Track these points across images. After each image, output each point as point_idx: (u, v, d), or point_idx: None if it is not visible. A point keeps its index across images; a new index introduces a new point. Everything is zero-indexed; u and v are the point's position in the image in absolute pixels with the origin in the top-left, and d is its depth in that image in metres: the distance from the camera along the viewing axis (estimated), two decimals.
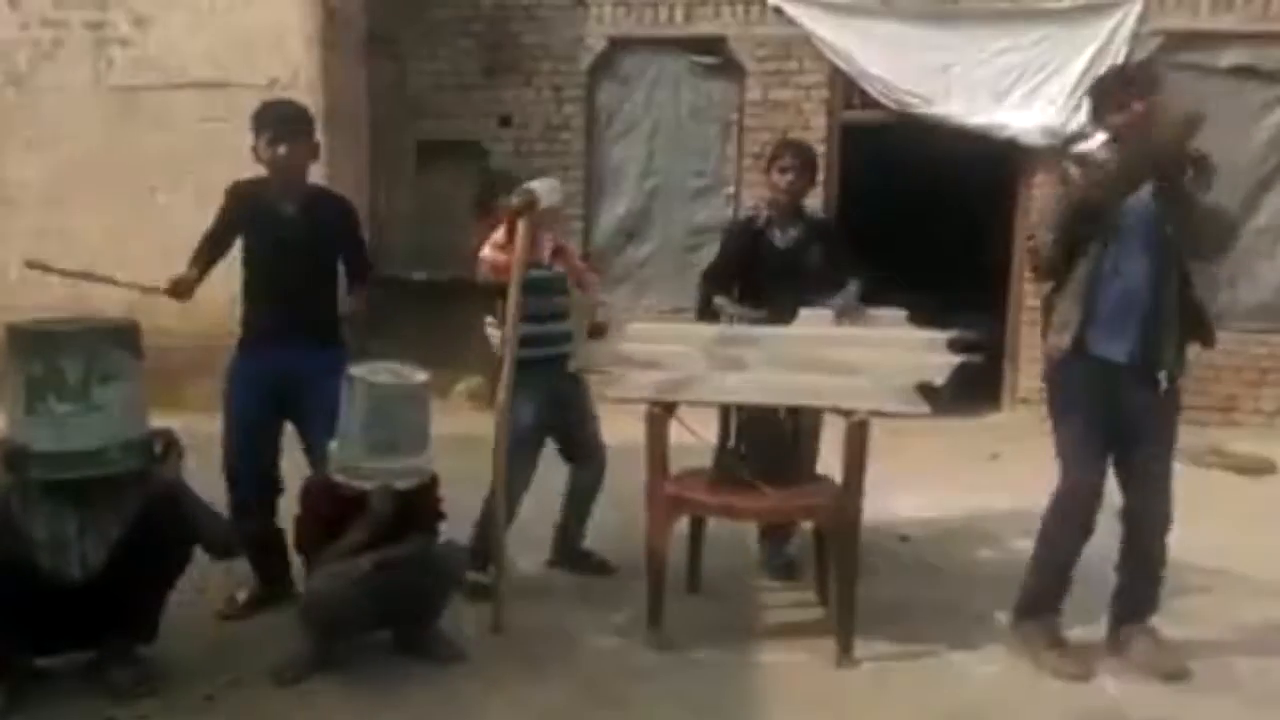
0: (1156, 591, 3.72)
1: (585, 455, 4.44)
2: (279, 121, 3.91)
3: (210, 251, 3.98)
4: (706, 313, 4.51)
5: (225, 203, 4.03)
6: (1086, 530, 3.60)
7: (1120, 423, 3.56)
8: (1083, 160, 3.62)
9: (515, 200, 3.87)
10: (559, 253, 4.40)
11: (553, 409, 4.28)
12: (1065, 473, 3.60)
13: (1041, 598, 3.73)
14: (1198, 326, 3.64)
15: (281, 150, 3.87)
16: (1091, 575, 3.75)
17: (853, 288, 4.30)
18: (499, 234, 4.07)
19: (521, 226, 3.85)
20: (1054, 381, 3.68)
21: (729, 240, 4.73)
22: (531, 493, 4.35)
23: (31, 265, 3.87)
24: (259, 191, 3.97)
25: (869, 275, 4.44)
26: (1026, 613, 3.76)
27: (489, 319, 4.32)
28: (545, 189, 3.96)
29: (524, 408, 4.07)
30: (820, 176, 7.99)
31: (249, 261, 4.00)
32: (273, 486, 4.02)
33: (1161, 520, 3.62)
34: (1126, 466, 3.64)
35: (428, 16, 8.62)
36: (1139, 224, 3.48)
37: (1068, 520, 3.60)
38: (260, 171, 3.98)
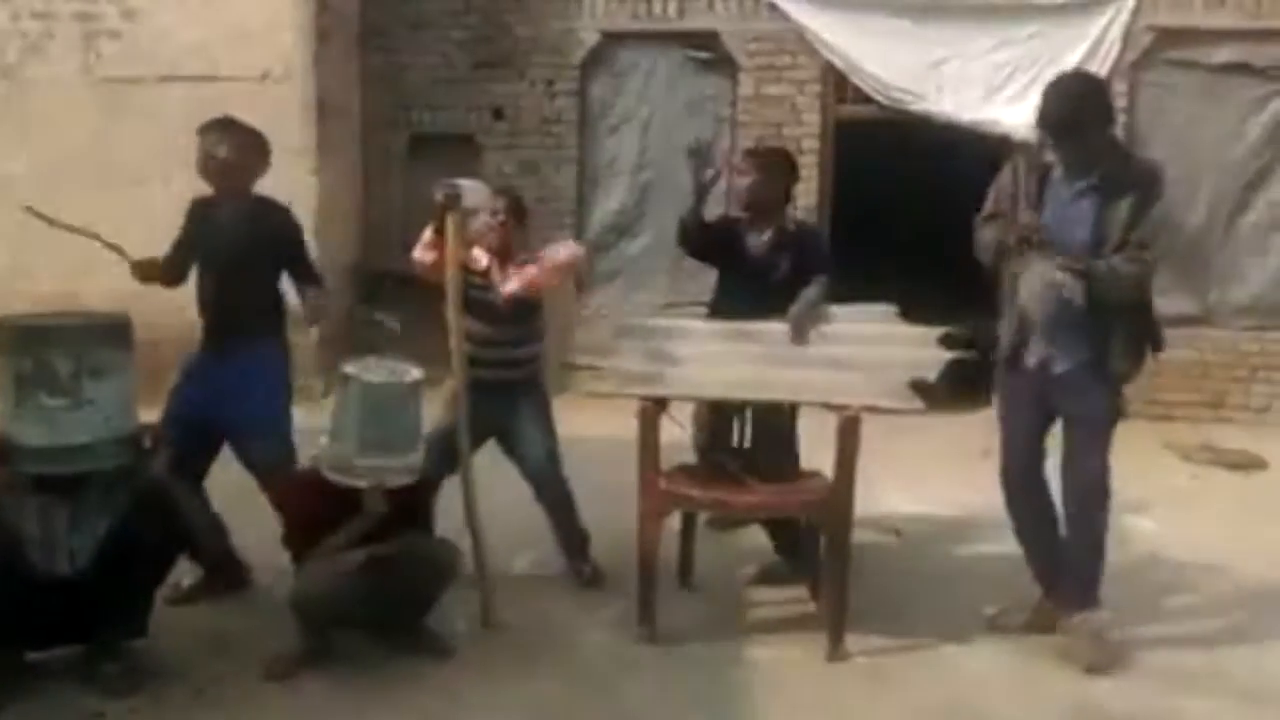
0: (1090, 580, 3.71)
1: (532, 482, 4.32)
2: (221, 130, 4.00)
3: (176, 261, 4.08)
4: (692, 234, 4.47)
5: (185, 217, 4.13)
6: (1019, 505, 3.83)
7: (1046, 416, 3.78)
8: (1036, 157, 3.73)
9: (438, 196, 3.81)
10: (521, 273, 4.20)
11: (481, 424, 4.09)
12: (1000, 459, 3.90)
13: (1036, 574, 3.88)
14: (1151, 333, 3.72)
15: (220, 152, 3.94)
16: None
17: (811, 292, 4.15)
18: (426, 233, 3.98)
19: (450, 222, 3.78)
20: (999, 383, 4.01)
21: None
22: (528, 490, 4.36)
23: (30, 212, 4.08)
24: (207, 205, 4.07)
25: (831, 279, 4.35)
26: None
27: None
28: (473, 190, 3.90)
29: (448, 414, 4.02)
30: (813, 173, 8.15)
31: (197, 272, 4.08)
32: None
33: (1081, 510, 3.69)
34: (1063, 458, 3.76)
35: (420, 9, 8.59)
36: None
37: (1006, 504, 3.88)
38: None
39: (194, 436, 3.91)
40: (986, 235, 3.78)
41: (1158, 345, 3.72)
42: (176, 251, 4.10)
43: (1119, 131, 7.62)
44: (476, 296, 4.13)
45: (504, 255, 4.24)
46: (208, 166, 3.97)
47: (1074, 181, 3.58)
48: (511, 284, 4.19)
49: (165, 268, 4.07)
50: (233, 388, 3.91)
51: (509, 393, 4.21)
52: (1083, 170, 3.56)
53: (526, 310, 4.26)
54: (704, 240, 4.45)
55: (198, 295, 4.06)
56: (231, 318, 3.95)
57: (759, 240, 4.43)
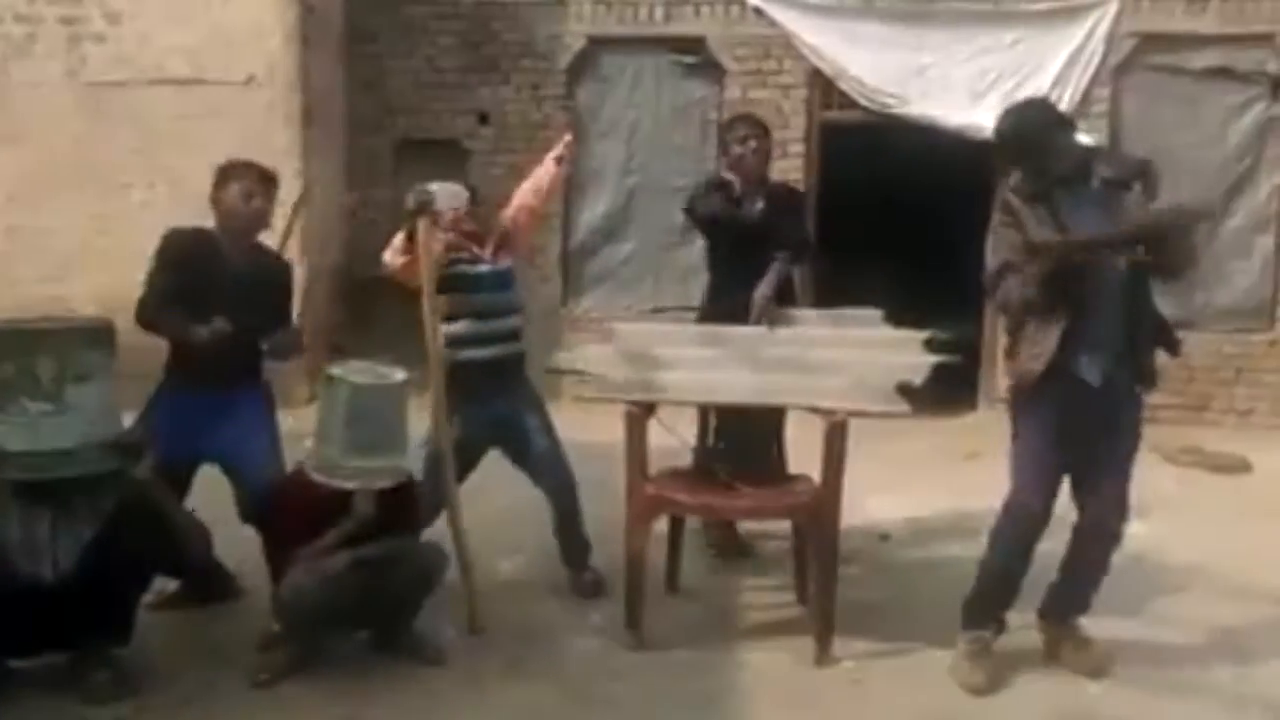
0: (1090, 597, 3.70)
1: (542, 481, 4.26)
2: (261, 177, 3.93)
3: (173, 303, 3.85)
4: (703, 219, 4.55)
5: (170, 253, 3.88)
6: (1031, 548, 3.56)
7: (1084, 440, 3.52)
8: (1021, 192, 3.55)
9: (410, 202, 3.82)
10: (504, 244, 4.28)
11: (488, 429, 4.11)
12: (1018, 491, 3.55)
13: (982, 607, 3.65)
14: (1164, 337, 3.66)
15: (256, 204, 3.90)
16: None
17: (773, 272, 4.25)
18: (398, 237, 3.98)
19: (421, 227, 3.80)
20: (1020, 402, 3.59)
21: (700, 198, 4.59)
22: (515, 495, 4.34)
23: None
24: (205, 241, 3.91)
25: (801, 249, 4.53)
26: (966, 622, 3.66)
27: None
28: (447, 193, 3.92)
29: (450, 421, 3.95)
30: (799, 177, 8.16)
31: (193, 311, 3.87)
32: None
33: (1112, 535, 3.60)
34: (1086, 481, 3.58)
35: (406, 13, 8.58)
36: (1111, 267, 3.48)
37: (1015, 538, 3.57)
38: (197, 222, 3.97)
39: (171, 473, 3.75)
40: (1012, 284, 3.43)
41: (1174, 349, 3.67)
42: (171, 288, 3.83)
43: (1104, 136, 7.75)
44: (462, 271, 4.11)
45: (477, 237, 4.24)
46: (238, 213, 3.88)
47: (1079, 196, 3.49)
48: (506, 259, 4.26)
49: (166, 309, 3.81)
50: (232, 425, 3.88)
51: (502, 383, 4.16)
52: (1081, 182, 3.51)
53: (509, 277, 4.26)
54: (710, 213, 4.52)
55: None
56: (229, 361, 3.84)
57: (754, 208, 4.48)
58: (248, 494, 3.88)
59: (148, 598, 3.79)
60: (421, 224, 3.81)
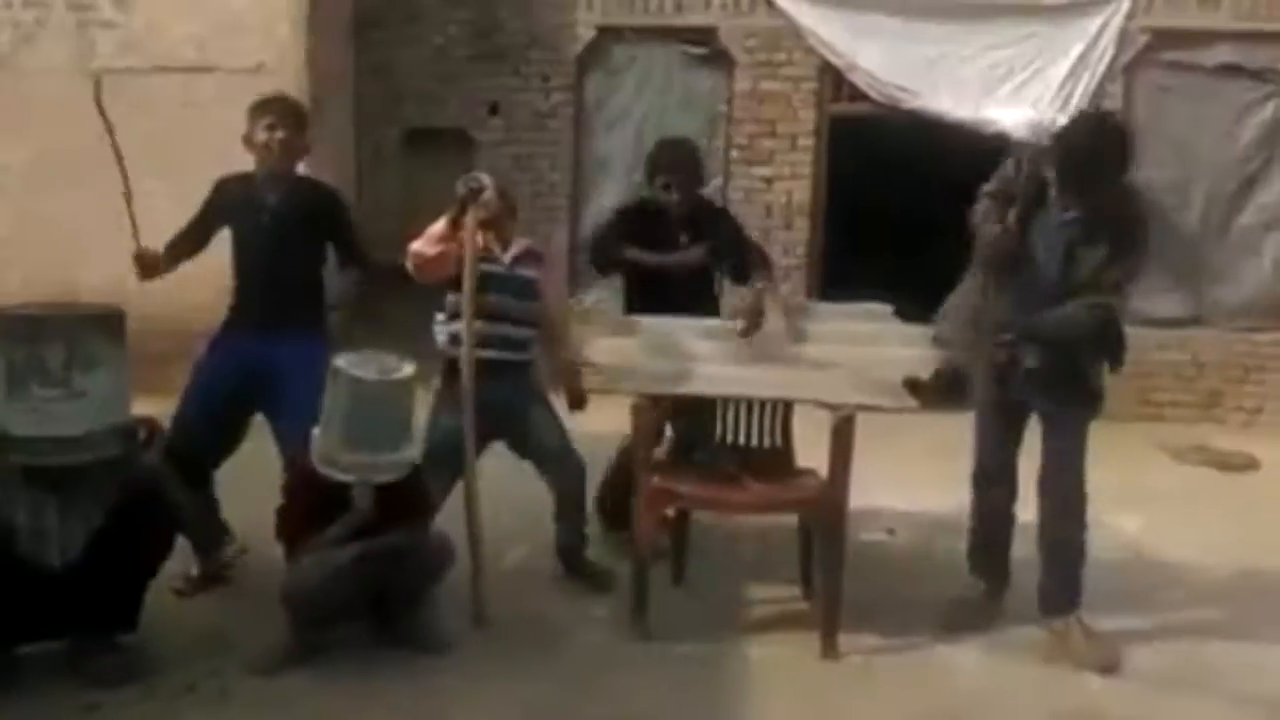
0: (1073, 585, 3.75)
1: (549, 468, 4.24)
2: (282, 110, 3.99)
3: (183, 244, 4.06)
4: (611, 266, 4.47)
5: (210, 196, 4.09)
6: (990, 505, 3.94)
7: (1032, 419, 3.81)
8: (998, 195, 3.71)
9: (460, 188, 3.79)
10: (530, 257, 4.25)
11: (488, 421, 3.98)
12: (974, 457, 3.99)
13: (971, 554, 4.06)
14: (1111, 347, 3.71)
15: (279, 135, 3.93)
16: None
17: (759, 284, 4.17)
18: (438, 225, 3.90)
19: (470, 216, 3.77)
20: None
21: (620, 224, 4.56)
22: (522, 486, 4.34)
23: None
24: (245, 184, 4.03)
25: (754, 258, 4.40)
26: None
27: (438, 315, 4.15)
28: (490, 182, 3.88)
29: (445, 415, 3.99)
30: (808, 169, 8.16)
31: (235, 250, 4.05)
32: (207, 460, 3.99)
33: (1056, 515, 3.71)
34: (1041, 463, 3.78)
35: (415, 1, 8.56)
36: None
37: (976, 496, 4.00)
38: (246, 167, 4.05)
39: (219, 411, 3.90)
40: (982, 209, 3.76)
41: (1115, 364, 3.73)
42: (194, 228, 4.07)
43: None
44: (485, 270, 4.05)
45: (498, 231, 4.20)
46: (269, 146, 3.95)
47: (1063, 210, 3.55)
48: (530, 270, 4.22)
49: (176, 243, 4.05)
50: (280, 372, 3.87)
51: (510, 380, 4.13)
52: (1071, 199, 3.52)
53: (525, 288, 4.19)
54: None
55: (237, 276, 4.05)
56: (277, 300, 3.94)
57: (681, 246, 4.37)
58: (284, 449, 3.90)
59: (178, 584, 3.89)
60: (472, 212, 3.76)
